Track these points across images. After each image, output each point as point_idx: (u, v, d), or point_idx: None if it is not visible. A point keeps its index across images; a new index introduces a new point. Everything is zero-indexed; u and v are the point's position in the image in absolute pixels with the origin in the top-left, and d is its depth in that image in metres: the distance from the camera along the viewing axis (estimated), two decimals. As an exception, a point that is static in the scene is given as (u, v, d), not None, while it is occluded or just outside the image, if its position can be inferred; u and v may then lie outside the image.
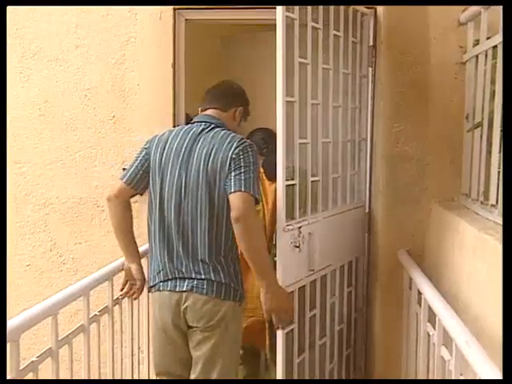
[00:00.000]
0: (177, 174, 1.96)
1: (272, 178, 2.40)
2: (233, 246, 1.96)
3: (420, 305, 2.12)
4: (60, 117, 2.81)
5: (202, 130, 1.99)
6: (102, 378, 2.06)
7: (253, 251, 1.81)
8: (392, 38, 2.65)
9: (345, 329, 2.69)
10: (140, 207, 2.71)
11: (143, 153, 2.06)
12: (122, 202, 2.07)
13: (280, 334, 2.13)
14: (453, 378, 1.65)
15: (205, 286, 1.92)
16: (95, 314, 2.04)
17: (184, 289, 1.93)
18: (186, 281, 1.93)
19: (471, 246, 1.99)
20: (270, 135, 2.67)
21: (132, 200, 2.53)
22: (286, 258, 2.13)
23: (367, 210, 2.74)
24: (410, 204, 2.66)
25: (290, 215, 2.20)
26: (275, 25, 2.06)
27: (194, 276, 1.93)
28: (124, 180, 2.06)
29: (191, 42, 2.86)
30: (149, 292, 2.10)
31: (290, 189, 2.19)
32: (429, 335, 1.98)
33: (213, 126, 2.01)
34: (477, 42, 2.35)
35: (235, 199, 1.85)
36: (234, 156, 1.90)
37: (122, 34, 2.77)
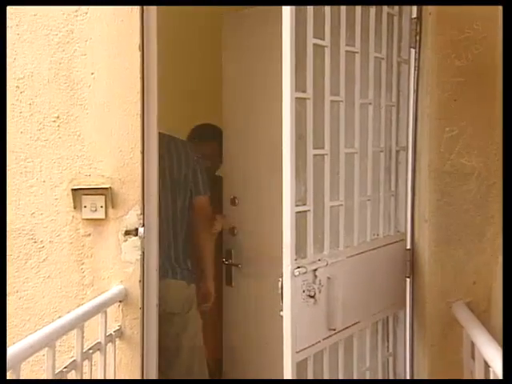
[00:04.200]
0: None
1: None
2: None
3: (488, 381, 2.19)
4: (-18, 117, 2.91)
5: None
6: None
7: None
8: (444, 7, 2.73)
9: (380, 413, 2.77)
10: (94, 242, 2.79)
11: None
12: None
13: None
14: None
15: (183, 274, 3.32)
16: (29, 395, 2.10)
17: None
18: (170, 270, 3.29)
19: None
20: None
21: (85, 233, 2.62)
22: (296, 312, 2.20)
23: (409, 246, 2.84)
24: (470, 238, 2.75)
25: (301, 253, 2.29)
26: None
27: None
28: None
29: (169, 16, 2.95)
30: None
31: (301, 217, 2.29)
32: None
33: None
34: None
35: None
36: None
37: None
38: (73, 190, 2.81)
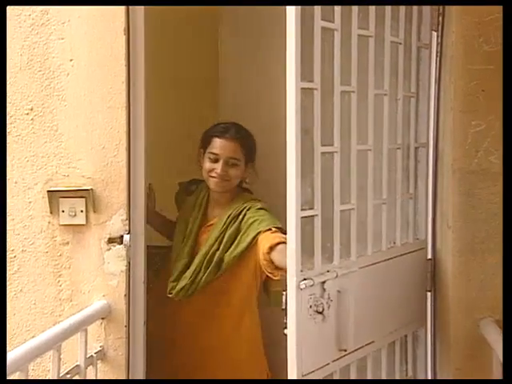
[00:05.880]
0: None
1: None
2: None
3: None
4: None
5: None
6: None
7: None
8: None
9: None
10: (73, 251, 2.81)
11: None
12: None
13: None
14: None
15: None
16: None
17: None
18: None
19: None
20: None
21: (63, 241, 2.67)
22: (302, 330, 2.23)
23: (430, 256, 2.87)
24: (500, 247, 2.70)
25: (307, 264, 2.32)
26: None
27: None
28: None
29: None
30: None
31: (307, 222, 2.32)
32: None
33: None
34: None
35: None
36: None
37: (44, -22, 2.82)
38: (49, 192, 2.82)
